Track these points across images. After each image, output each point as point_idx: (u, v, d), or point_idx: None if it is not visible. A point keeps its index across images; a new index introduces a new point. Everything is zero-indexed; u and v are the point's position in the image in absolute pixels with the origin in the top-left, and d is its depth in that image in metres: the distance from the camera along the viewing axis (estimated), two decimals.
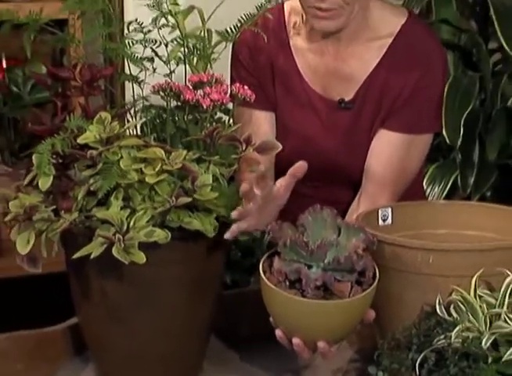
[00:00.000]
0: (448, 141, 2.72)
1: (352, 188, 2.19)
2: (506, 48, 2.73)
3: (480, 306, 1.57)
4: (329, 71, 2.19)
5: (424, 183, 2.70)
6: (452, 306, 1.61)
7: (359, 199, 2.17)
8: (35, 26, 1.90)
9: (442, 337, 1.54)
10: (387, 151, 2.17)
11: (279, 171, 2.21)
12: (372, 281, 1.67)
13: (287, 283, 1.66)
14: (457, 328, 1.54)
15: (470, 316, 1.57)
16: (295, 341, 1.69)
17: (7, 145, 2.75)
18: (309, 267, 1.66)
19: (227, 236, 1.71)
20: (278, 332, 1.71)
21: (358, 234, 1.69)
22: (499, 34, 2.74)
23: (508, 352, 1.48)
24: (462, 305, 1.60)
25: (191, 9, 1.94)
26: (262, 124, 2.22)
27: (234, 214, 1.69)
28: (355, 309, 1.68)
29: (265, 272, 1.69)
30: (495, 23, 2.76)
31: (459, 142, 2.75)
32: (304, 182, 2.06)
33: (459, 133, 2.74)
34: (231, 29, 1.94)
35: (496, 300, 1.59)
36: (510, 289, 1.58)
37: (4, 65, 2.74)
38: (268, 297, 1.70)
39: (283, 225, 1.70)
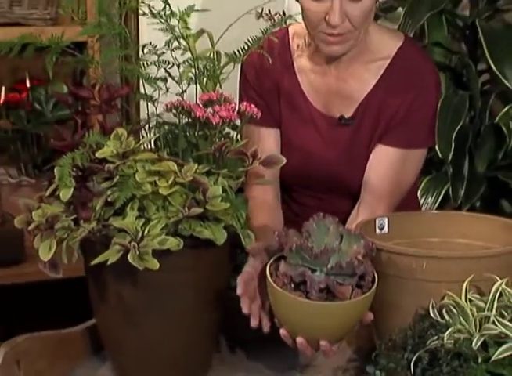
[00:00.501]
0: (440, 155, 2.72)
1: (352, 199, 2.19)
2: (494, 69, 2.72)
3: (470, 310, 1.57)
4: (330, 90, 2.19)
5: (418, 194, 2.70)
6: (444, 310, 1.61)
7: (358, 209, 2.16)
8: (57, 48, 1.90)
9: (435, 338, 1.54)
10: (384, 165, 2.16)
11: (284, 183, 2.22)
12: (371, 285, 1.67)
13: (292, 285, 1.66)
14: (449, 330, 1.54)
15: (462, 319, 1.56)
16: (299, 340, 1.69)
17: (30, 159, 2.75)
18: (313, 271, 1.66)
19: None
20: (282, 331, 1.71)
21: (358, 241, 1.69)
22: (487, 56, 2.74)
23: (497, 353, 1.47)
24: (453, 309, 1.59)
25: (201, 32, 1.94)
26: (267, 140, 2.21)
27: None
28: (355, 311, 1.68)
29: (271, 275, 1.69)
30: (484, 45, 2.76)
31: (450, 156, 2.74)
32: (308, 194, 2.07)
33: (450, 148, 2.73)
34: (238, 51, 1.94)
35: (486, 304, 1.58)
36: (498, 293, 1.58)
37: (28, 84, 2.74)
38: (274, 298, 1.71)
39: (288, 231, 1.70)
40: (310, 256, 1.65)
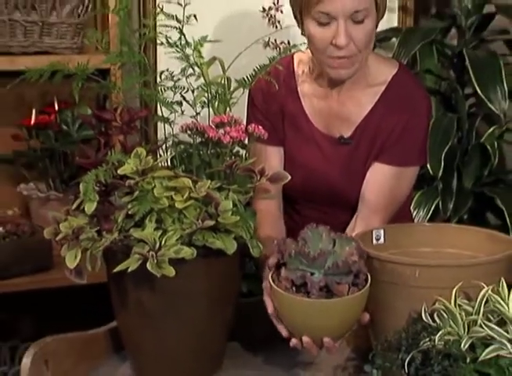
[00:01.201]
0: (431, 172, 2.72)
1: (350, 211, 2.18)
2: (480, 93, 2.73)
3: (459, 314, 1.56)
4: (331, 113, 2.18)
5: (411, 207, 2.70)
6: (435, 314, 1.60)
7: (355, 221, 2.15)
8: (83, 75, 1.90)
9: (427, 340, 1.53)
10: (380, 181, 2.16)
11: (288, 196, 2.22)
12: (365, 283, 1.67)
13: (294, 289, 1.67)
14: (440, 332, 1.53)
15: (451, 322, 1.56)
16: (305, 339, 1.70)
17: (58, 174, 2.75)
18: (312, 273, 1.66)
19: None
20: (293, 341, 1.72)
21: (350, 243, 1.69)
22: (473, 81, 2.74)
23: (484, 353, 1.47)
24: (444, 313, 1.59)
25: (213, 59, 1.93)
26: (272, 158, 2.21)
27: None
28: (353, 307, 1.69)
29: (273, 282, 1.69)
30: (471, 72, 2.76)
31: (440, 173, 2.74)
32: (311, 207, 2.07)
33: (440, 165, 2.73)
34: (247, 77, 1.94)
35: (473, 308, 1.57)
36: (484, 299, 1.57)
37: (56, 107, 2.74)
38: (279, 302, 1.71)
39: (286, 240, 1.71)
40: (308, 260, 1.66)
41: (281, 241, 1.71)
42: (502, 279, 1.62)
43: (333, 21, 1.98)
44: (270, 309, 1.77)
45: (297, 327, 1.71)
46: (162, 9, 1.90)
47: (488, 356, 1.47)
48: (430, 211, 2.84)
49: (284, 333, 1.75)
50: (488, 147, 2.93)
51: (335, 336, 1.70)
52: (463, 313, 1.56)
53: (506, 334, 1.50)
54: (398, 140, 2.14)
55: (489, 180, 3.03)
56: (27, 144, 2.78)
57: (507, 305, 1.55)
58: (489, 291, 1.58)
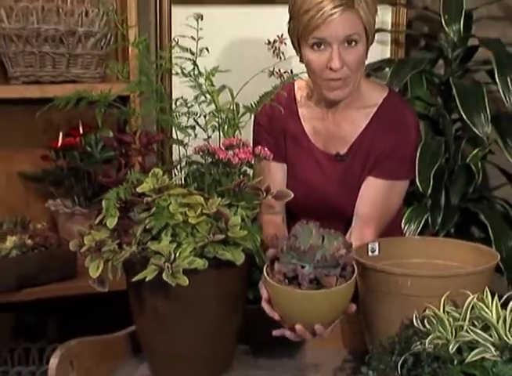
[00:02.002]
0: (421, 189, 2.71)
1: (346, 222, 2.18)
2: (465, 118, 2.72)
3: (447, 320, 1.55)
4: (328, 132, 2.20)
5: (403, 222, 2.70)
6: (425, 320, 1.59)
7: (351, 231, 2.15)
8: (105, 102, 1.90)
9: (418, 343, 1.52)
10: (373, 194, 2.16)
11: (289, 211, 2.21)
12: (351, 274, 1.68)
13: (287, 281, 1.67)
14: (430, 337, 1.52)
15: (440, 328, 1.55)
16: (297, 326, 1.71)
17: (82, 192, 2.75)
18: (303, 266, 1.66)
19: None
20: (285, 331, 1.74)
21: (337, 239, 1.70)
22: (459, 107, 2.74)
23: (470, 356, 1.46)
24: (433, 319, 1.58)
25: (223, 87, 1.93)
26: (276, 173, 2.22)
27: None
28: (341, 296, 1.69)
29: (268, 275, 1.70)
30: (457, 99, 2.75)
31: (429, 191, 2.73)
32: (311, 219, 2.05)
33: (429, 183, 2.72)
34: (254, 104, 1.94)
35: (460, 315, 1.57)
36: (470, 307, 1.57)
37: (81, 131, 2.75)
38: (273, 294, 1.72)
39: (279, 236, 1.73)
40: (299, 254, 1.67)
41: (274, 237, 1.72)
42: (487, 288, 1.62)
43: (327, 47, 2.02)
44: (265, 296, 1.76)
45: (290, 316, 1.72)
46: (177, 43, 1.90)
47: (474, 359, 1.46)
48: (421, 225, 2.83)
49: (276, 317, 1.75)
50: (473, 167, 2.92)
51: (325, 323, 1.71)
52: (451, 319, 1.56)
53: (489, 338, 1.49)
54: (389, 156, 2.14)
55: (474, 197, 3.02)
56: (54, 164, 2.78)
57: (491, 311, 1.54)
58: (474, 299, 1.57)
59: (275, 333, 1.76)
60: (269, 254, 1.73)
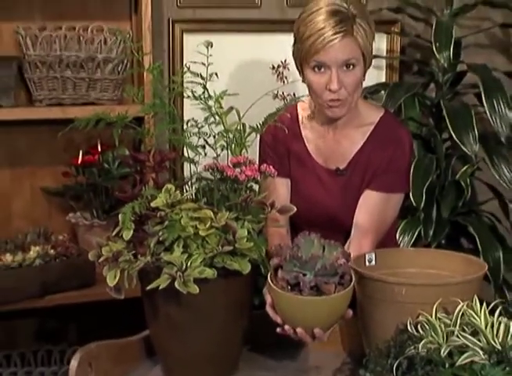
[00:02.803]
0: (414, 203, 2.70)
1: (345, 235, 2.17)
2: (455, 137, 2.72)
3: (439, 325, 1.54)
4: (329, 149, 2.19)
5: (397, 234, 2.69)
6: (419, 325, 1.58)
7: (350, 241, 2.14)
8: (122, 123, 1.90)
9: (412, 348, 1.51)
10: (370, 206, 2.15)
11: (294, 223, 2.21)
12: (349, 282, 1.68)
13: (289, 288, 1.68)
14: (423, 341, 1.51)
15: (432, 333, 1.54)
16: (299, 330, 1.71)
17: (100, 205, 2.74)
18: (304, 274, 1.66)
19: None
20: (286, 326, 1.73)
21: (337, 249, 1.70)
22: (449, 127, 2.73)
23: (460, 359, 1.45)
24: (426, 325, 1.57)
25: (231, 109, 1.93)
26: (281, 188, 2.21)
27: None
28: (339, 303, 1.69)
29: (272, 282, 1.70)
30: (447, 120, 2.75)
31: (422, 205, 2.73)
32: (312, 230, 2.04)
33: (422, 198, 2.72)
34: (259, 124, 1.93)
35: (451, 321, 1.56)
36: (460, 313, 1.56)
37: (99, 149, 2.75)
38: (276, 299, 1.72)
39: (282, 246, 1.72)
40: (301, 262, 1.67)
41: (278, 246, 1.72)
42: (476, 296, 1.61)
43: (327, 69, 2.02)
44: (269, 301, 1.77)
45: (292, 320, 1.72)
46: (189, 68, 1.90)
47: (464, 362, 1.45)
48: (414, 237, 2.82)
49: (279, 320, 1.75)
50: (462, 183, 2.92)
51: (324, 327, 1.72)
52: (443, 325, 1.54)
53: (478, 342, 1.48)
54: (385, 170, 2.14)
55: (463, 211, 3.02)
56: (75, 180, 2.78)
57: (479, 318, 1.53)
58: (464, 307, 1.56)
59: (279, 330, 1.76)
60: (273, 263, 1.72)
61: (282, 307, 1.72)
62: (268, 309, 1.77)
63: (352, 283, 1.69)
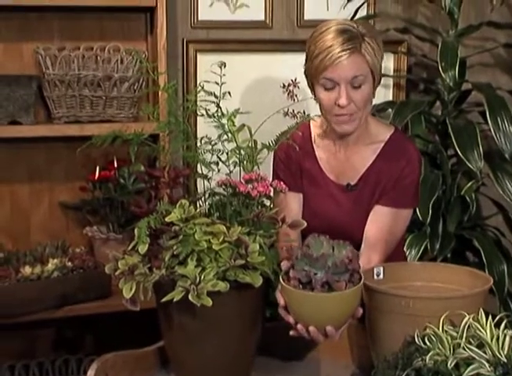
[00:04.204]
0: (421, 218, 2.70)
1: (357, 247, 2.16)
2: (460, 154, 2.71)
3: (446, 338, 1.53)
4: (340, 165, 2.20)
5: (405, 248, 2.68)
6: (426, 338, 1.57)
7: (359, 255, 2.13)
8: (137, 140, 1.91)
9: (419, 359, 1.50)
10: (380, 221, 2.15)
11: (305, 237, 2.20)
12: (359, 280, 1.67)
13: (301, 286, 1.66)
14: (430, 353, 1.50)
15: (439, 345, 1.52)
16: (311, 328, 1.69)
17: (116, 219, 2.75)
18: (315, 273, 1.65)
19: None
20: (298, 326, 1.71)
21: (346, 248, 1.69)
22: (454, 144, 2.73)
23: (466, 372, 1.43)
24: (433, 337, 1.55)
25: (242, 126, 1.93)
26: (292, 202, 2.21)
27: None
28: (350, 299, 1.67)
29: (284, 281, 1.69)
30: (452, 137, 2.75)
31: (428, 219, 2.72)
32: None
33: (428, 213, 2.72)
34: (271, 142, 1.93)
35: (457, 333, 1.54)
36: (467, 326, 1.55)
37: (115, 165, 2.75)
38: (289, 298, 1.70)
39: (293, 247, 1.72)
40: (312, 261, 1.65)
41: (289, 247, 1.71)
42: (481, 309, 1.60)
43: (336, 86, 2.03)
44: (281, 303, 1.74)
45: (304, 318, 1.70)
46: (202, 88, 1.91)
47: (470, 374, 1.43)
48: (420, 251, 2.82)
49: (291, 320, 1.72)
50: (467, 198, 2.91)
51: (336, 325, 1.69)
52: (449, 338, 1.53)
53: (484, 355, 1.47)
54: (394, 186, 2.14)
55: (468, 225, 3.01)
56: (91, 194, 2.79)
57: (485, 330, 1.52)
58: (470, 319, 1.55)
59: (292, 333, 1.74)
60: (284, 266, 1.71)
61: (294, 305, 1.70)
62: (281, 310, 1.75)
63: (362, 281, 1.67)
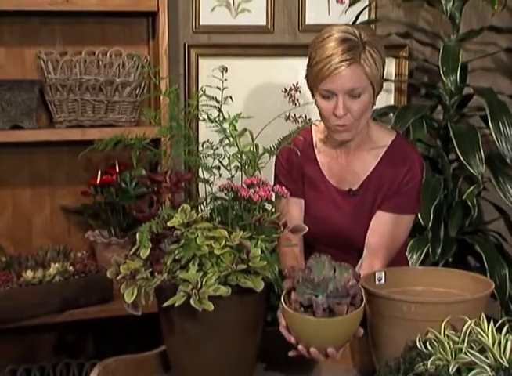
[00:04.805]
0: (422, 223, 2.70)
1: (357, 253, 2.16)
2: (461, 159, 2.71)
3: (447, 343, 1.53)
4: (342, 170, 2.19)
5: (406, 253, 2.67)
6: (428, 342, 1.57)
7: (361, 262, 2.13)
8: (139, 144, 1.91)
9: (421, 364, 1.50)
10: (382, 227, 2.14)
11: (307, 242, 2.20)
12: (360, 303, 1.67)
13: (302, 309, 1.67)
14: (432, 358, 1.50)
15: (441, 350, 1.52)
16: (312, 350, 1.70)
17: (118, 224, 2.75)
18: (316, 296, 1.66)
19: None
20: (299, 346, 1.72)
21: (347, 271, 1.69)
22: (456, 149, 2.73)
23: None
24: (435, 342, 1.56)
25: (244, 131, 1.93)
26: (294, 207, 2.20)
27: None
28: (351, 323, 1.69)
29: (285, 303, 1.69)
30: (454, 141, 2.75)
31: (430, 224, 2.72)
32: (323, 250, 2.04)
33: (430, 217, 2.71)
34: (273, 146, 1.93)
35: (459, 338, 1.54)
36: (468, 331, 1.54)
37: (117, 169, 2.75)
38: (290, 320, 1.71)
39: (294, 268, 1.72)
40: (313, 285, 1.66)
41: (291, 269, 1.72)
42: (483, 314, 1.60)
43: (333, 96, 2.02)
44: (283, 323, 1.76)
45: (306, 340, 1.71)
46: (204, 92, 1.91)
47: None
48: (422, 255, 2.81)
49: (292, 340, 1.74)
50: (469, 203, 2.91)
51: (337, 346, 1.71)
52: (451, 342, 1.53)
53: (486, 359, 1.47)
54: (396, 192, 2.13)
55: (470, 230, 3.01)
56: (93, 199, 2.79)
57: (487, 335, 1.52)
58: (472, 324, 1.55)
59: (291, 354, 1.75)
60: (286, 285, 1.72)
61: (296, 328, 1.71)
62: (282, 329, 1.76)
63: (363, 303, 1.68)
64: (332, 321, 1.65)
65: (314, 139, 2.22)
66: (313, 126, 2.21)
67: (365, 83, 2.02)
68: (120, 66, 2.70)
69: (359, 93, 2.01)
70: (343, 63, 1.98)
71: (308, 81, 2.10)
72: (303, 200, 2.22)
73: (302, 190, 2.21)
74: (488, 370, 1.44)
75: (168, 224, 1.71)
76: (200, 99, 1.92)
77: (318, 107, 2.09)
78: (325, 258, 1.71)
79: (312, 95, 2.11)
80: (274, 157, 2.07)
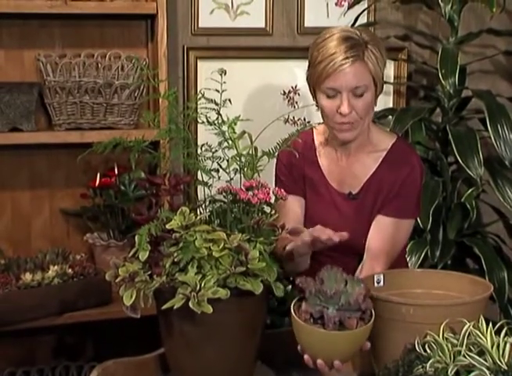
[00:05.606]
0: (421, 225, 2.70)
1: (357, 258, 2.16)
2: (460, 161, 2.71)
3: (446, 345, 1.53)
4: (342, 173, 2.19)
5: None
6: (426, 345, 1.57)
7: (362, 266, 2.13)
8: (138, 147, 1.91)
9: (420, 367, 1.50)
10: (383, 231, 2.14)
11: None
12: (370, 317, 1.66)
13: (312, 320, 1.65)
14: (430, 361, 1.50)
15: (440, 352, 1.52)
16: (319, 361, 1.68)
17: (117, 226, 2.75)
18: (327, 308, 1.65)
19: None
20: (305, 357, 1.70)
21: (359, 285, 1.68)
22: (455, 151, 2.73)
23: None
24: (434, 345, 1.56)
25: (243, 133, 1.93)
26: (295, 206, 2.20)
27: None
28: (360, 337, 1.67)
29: (294, 313, 1.68)
30: (452, 144, 2.75)
31: (429, 226, 2.72)
32: (325, 254, 2.05)
33: (428, 220, 2.72)
34: (272, 149, 1.93)
35: (458, 341, 1.54)
36: (467, 333, 1.55)
37: (116, 172, 2.75)
38: (298, 331, 1.69)
39: (307, 279, 1.70)
40: (325, 297, 1.65)
41: (303, 279, 1.70)
42: (482, 316, 1.60)
43: (338, 94, 2.03)
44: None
45: (313, 351, 1.69)
46: (203, 95, 1.91)
47: None
48: (421, 258, 2.81)
49: (298, 348, 1.72)
50: (468, 205, 2.91)
51: (343, 359, 1.69)
52: (450, 345, 1.53)
53: (485, 362, 1.47)
54: (396, 195, 2.13)
55: (469, 232, 3.01)
56: (92, 201, 2.79)
57: (486, 338, 1.52)
58: (471, 327, 1.55)
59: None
60: (288, 247, 1.73)
61: (304, 338, 1.69)
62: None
63: (373, 319, 1.67)
64: (342, 335, 1.64)
65: (315, 141, 2.22)
66: (314, 128, 2.22)
67: (368, 81, 2.03)
68: (119, 68, 2.70)
69: (363, 92, 2.02)
70: (347, 60, 1.98)
71: (309, 82, 2.10)
72: (303, 200, 2.22)
73: (303, 190, 2.21)
74: (487, 372, 1.44)
75: (167, 226, 1.71)
76: (198, 102, 1.91)
77: (321, 107, 2.09)
78: (336, 269, 1.70)
79: (313, 96, 2.11)
80: (273, 159, 2.06)
